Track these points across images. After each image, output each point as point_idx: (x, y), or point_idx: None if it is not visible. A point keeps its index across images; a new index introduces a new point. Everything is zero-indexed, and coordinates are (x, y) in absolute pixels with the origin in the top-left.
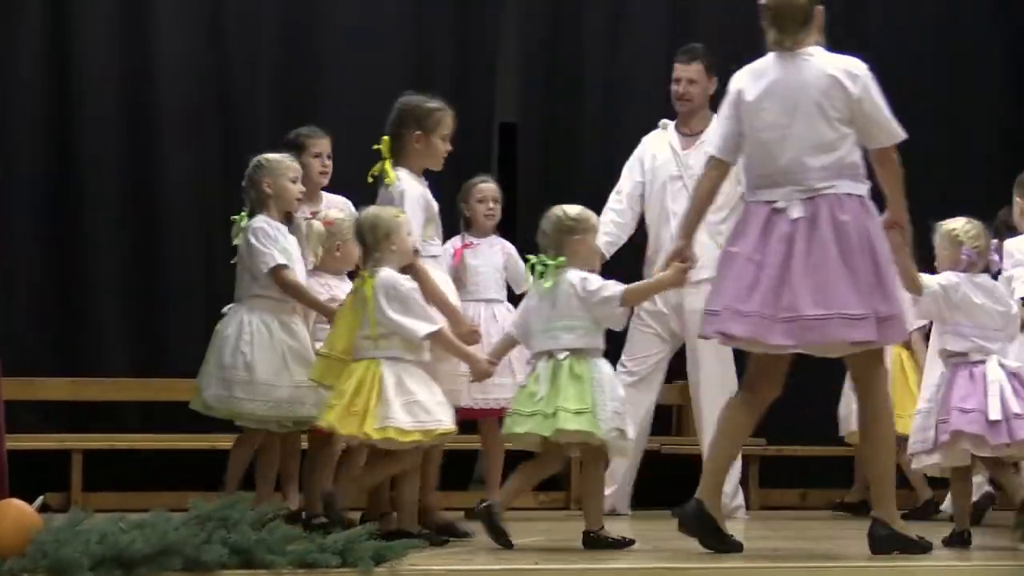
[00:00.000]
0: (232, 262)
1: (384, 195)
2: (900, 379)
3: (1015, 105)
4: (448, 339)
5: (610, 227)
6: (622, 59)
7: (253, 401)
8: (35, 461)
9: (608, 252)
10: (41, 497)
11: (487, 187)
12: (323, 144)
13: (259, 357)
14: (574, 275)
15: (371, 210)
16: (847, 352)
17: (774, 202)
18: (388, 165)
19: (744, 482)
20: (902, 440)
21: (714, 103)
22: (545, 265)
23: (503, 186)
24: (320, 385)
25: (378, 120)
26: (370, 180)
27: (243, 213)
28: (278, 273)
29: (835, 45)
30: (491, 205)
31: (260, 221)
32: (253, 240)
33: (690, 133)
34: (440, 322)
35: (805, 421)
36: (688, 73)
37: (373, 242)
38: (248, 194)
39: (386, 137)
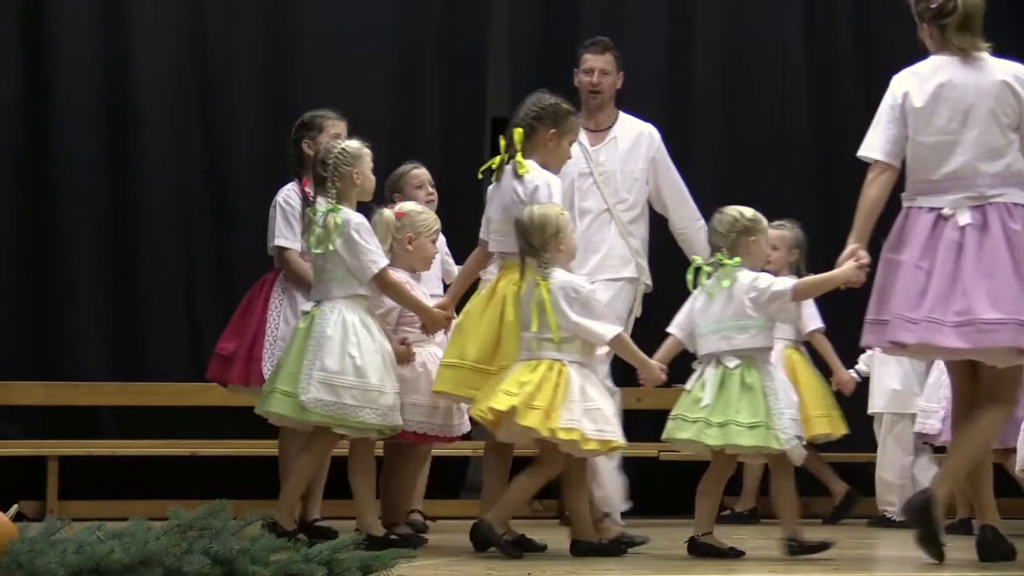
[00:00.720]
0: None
1: (501, 187)
2: (805, 380)
3: None
4: (628, 343)
5: None
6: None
7: (363, 408)
8: (9, 468)
9: None
10: (15, 506)
11: (422, 172)
12: (341, 126)
13: (368, 361)
14: (745, 275)
15: (536, 209)
16: (1011, 362)
17: (940, 208)
18: (521, 156)
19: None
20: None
21: (618, 100)
22: (719, 265)
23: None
24: (452, 397)
25: (365, 114)
26: (479, 176)
27: (335, 204)
28: (385, 273)
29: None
30: (430, 190)
31: (359, 216)
32: (357, 237)
33: (597, 128)
34: (619, 325)
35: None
36: (601, 63)
37: (542, 243)
38: (332, 184)
39: (520, 129)
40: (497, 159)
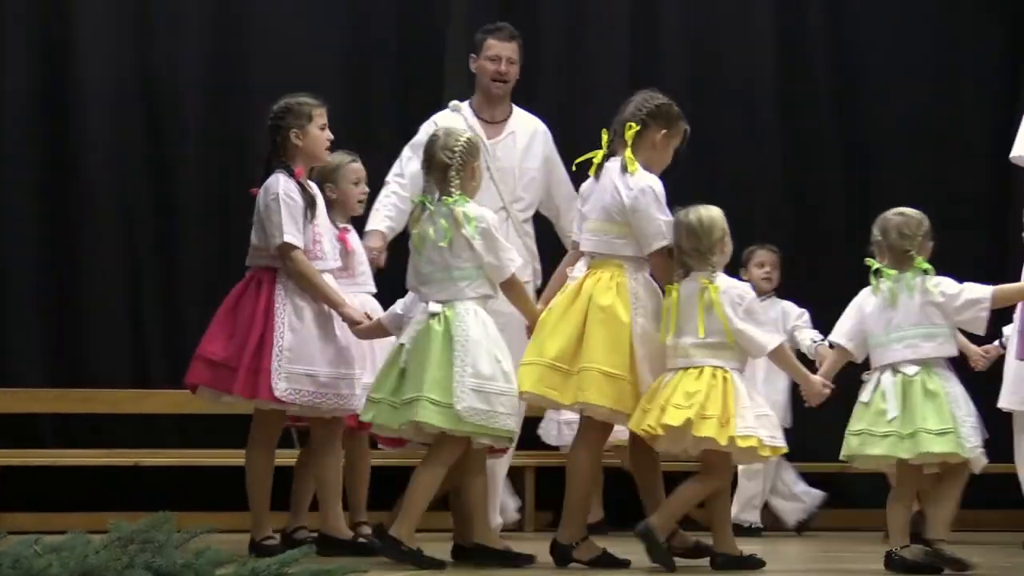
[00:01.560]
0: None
1: (600, 185)
2: None
3: None
4: (789, 355)
5: (392, 211)
6: (581, 38)
7: (510, 416)
8: None
9: (389, 237)
10: None
11: (360, 168)
12: (324, 114)
13: (510, 367)
14: (933, 280)
15: (701, 211)
16: None
17: None
18: (631, 153)
19: None
20: None
21: (583, 99)
22: (913, 269)
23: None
24: (535, 397)
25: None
26: (574, 168)
27: (461, 196)
28: (514, 274)
29: None
30: (364, 188)
31: (489, 211)
32: (496, 234)
33: (492, 121)
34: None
35: None
36: (508, 52)
37: (709, 245)
38: (456, 176)
39: (633, 125)
40: (599, 154)
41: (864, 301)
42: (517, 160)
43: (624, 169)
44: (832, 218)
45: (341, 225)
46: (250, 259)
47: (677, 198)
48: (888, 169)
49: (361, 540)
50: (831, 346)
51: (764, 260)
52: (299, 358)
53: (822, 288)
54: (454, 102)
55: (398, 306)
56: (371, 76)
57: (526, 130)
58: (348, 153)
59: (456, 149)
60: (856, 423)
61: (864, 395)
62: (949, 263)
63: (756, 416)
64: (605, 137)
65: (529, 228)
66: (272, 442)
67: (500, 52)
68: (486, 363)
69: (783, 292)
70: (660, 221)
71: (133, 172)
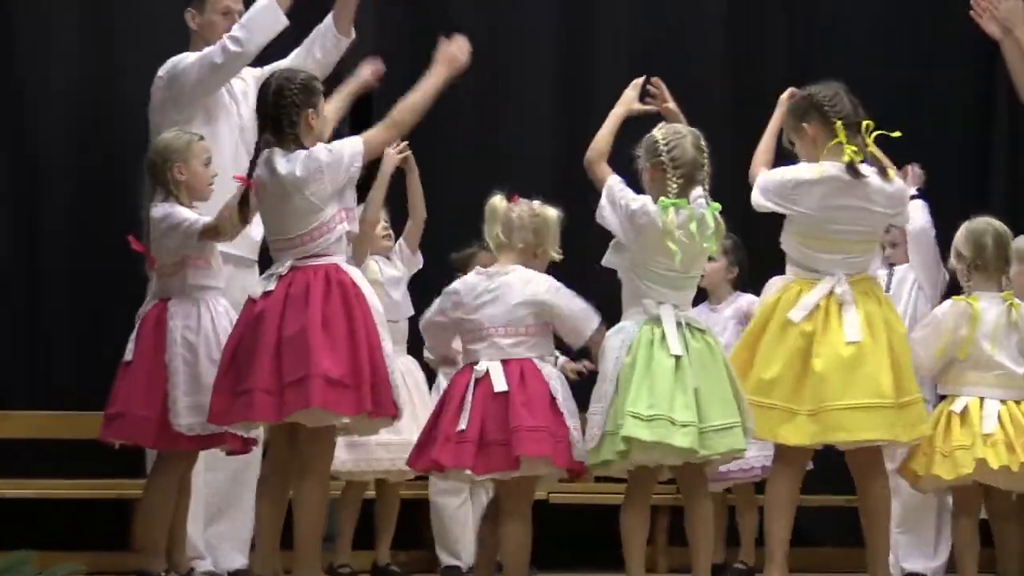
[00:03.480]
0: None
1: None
2: None
3: None
4: None
5: None
6: (506, 8)
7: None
8: None
9: None
10: None
11: (208, 146)
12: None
13: None
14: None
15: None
16: None
17: None
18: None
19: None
20: None
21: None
22: None
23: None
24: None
25: None
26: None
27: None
28: None
29: None
30: (215, 170)
31: None
32: None
33: None
34: None
35: None
36: (239, 5)
37: (1006, 257)
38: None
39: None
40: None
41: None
42: None
43: (884, 175)
44: None
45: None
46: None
47: None
48: None
49: None
50: None
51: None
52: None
53: None
54: None
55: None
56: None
57: None
58: (189, 131)
59: (679, 151)
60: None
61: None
62: None
63: None
64: (843, 133)
65: None
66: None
67: (231, 6)
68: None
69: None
70: None
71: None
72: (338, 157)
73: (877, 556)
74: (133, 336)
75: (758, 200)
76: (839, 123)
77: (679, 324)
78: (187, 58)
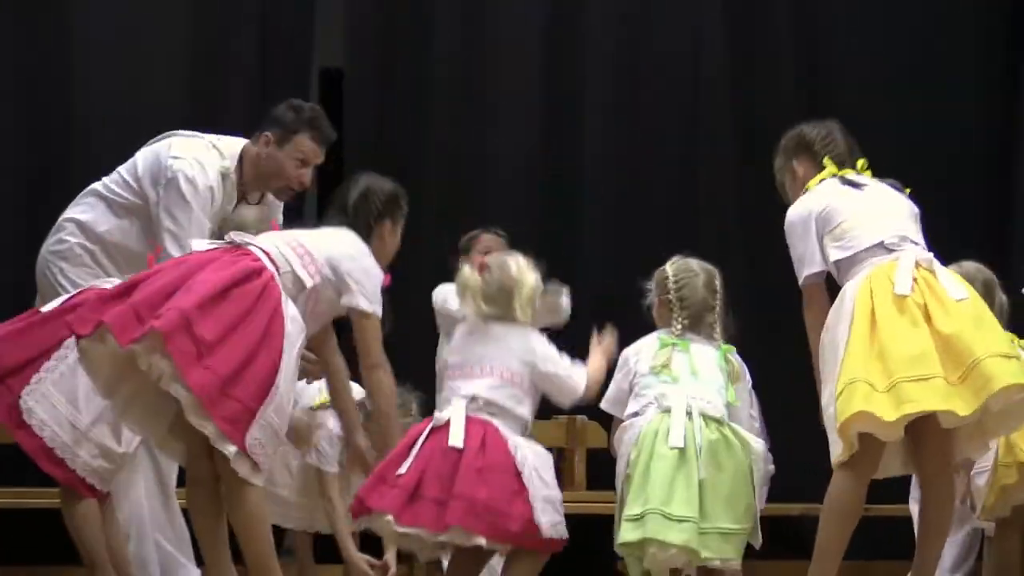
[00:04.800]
0: None
1: None
2: None
3: None
4: None
5: None
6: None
7: None
8: None
9: None
10: None
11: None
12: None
13: None
14: None
15: None
16: None
17: None
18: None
19: None
20: None
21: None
22: None
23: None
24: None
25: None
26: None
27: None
28: None
29: None
30: None
31: None
32: None
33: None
34: None
35: None
36: (317, 159)
37: None
38: None
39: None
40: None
41: None
42: None
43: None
44: None
45: None
46: None
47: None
48: None
49: None
50: None
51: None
52: None
53: None
54: (225, 164)
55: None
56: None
57: None
58: None
59: None
60: None
61: None
62: None
63: None
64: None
65: None
66: None
67: (310, 157)
68: None
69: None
70: None
71: None
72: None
73: (928, 569)
74: None
75: (812, 268)
76: (828, 158)
77: (689, 413)
78: (180, 200)
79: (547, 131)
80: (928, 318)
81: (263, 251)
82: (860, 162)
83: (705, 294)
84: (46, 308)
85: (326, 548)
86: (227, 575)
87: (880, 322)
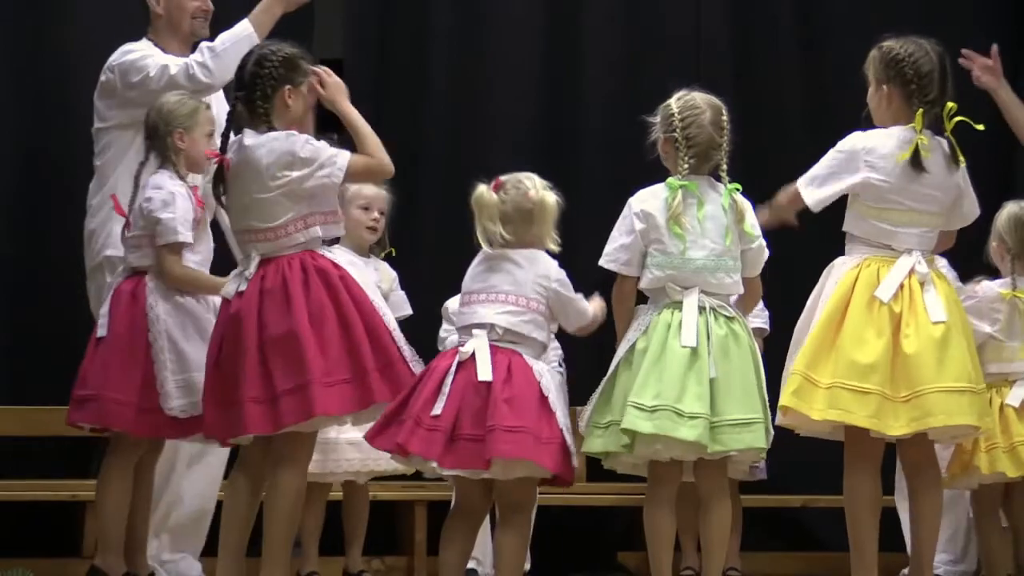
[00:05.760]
0: None
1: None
2: None
3: None
4: None
5: None
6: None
7: None
8: None
9: None
10: None
11: (214, 116)
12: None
13: None
14: None
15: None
16: None
17: None
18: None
19: None
20: None
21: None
22: None
23: (322, 130)
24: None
25: None
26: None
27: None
28: None
29: None
30: (217, 140)
31: None
32: None
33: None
34: None
35: None
36: None
37: None
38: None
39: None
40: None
41: None
42: None
43: (956, 159)
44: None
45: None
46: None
47: None
48: None
49: None
50: None
51: None
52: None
53: None
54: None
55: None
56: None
57: None
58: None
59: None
60: None
61: None
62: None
63: None
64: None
65: None
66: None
67: None
68: None
69: None
70: None
71: None
72: (313, 155)
73: (924, 561)
74: (105, 310)
75: (818, 196)
76: (921, 111)
77: (702, 309)
78: (146, 59)
79: (548, 120)
80: (896, 330)
81: None
82: (949, 106)
83: (712, 132)
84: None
85: (327, 543)
86: (242, 567)
87: (848, 320)
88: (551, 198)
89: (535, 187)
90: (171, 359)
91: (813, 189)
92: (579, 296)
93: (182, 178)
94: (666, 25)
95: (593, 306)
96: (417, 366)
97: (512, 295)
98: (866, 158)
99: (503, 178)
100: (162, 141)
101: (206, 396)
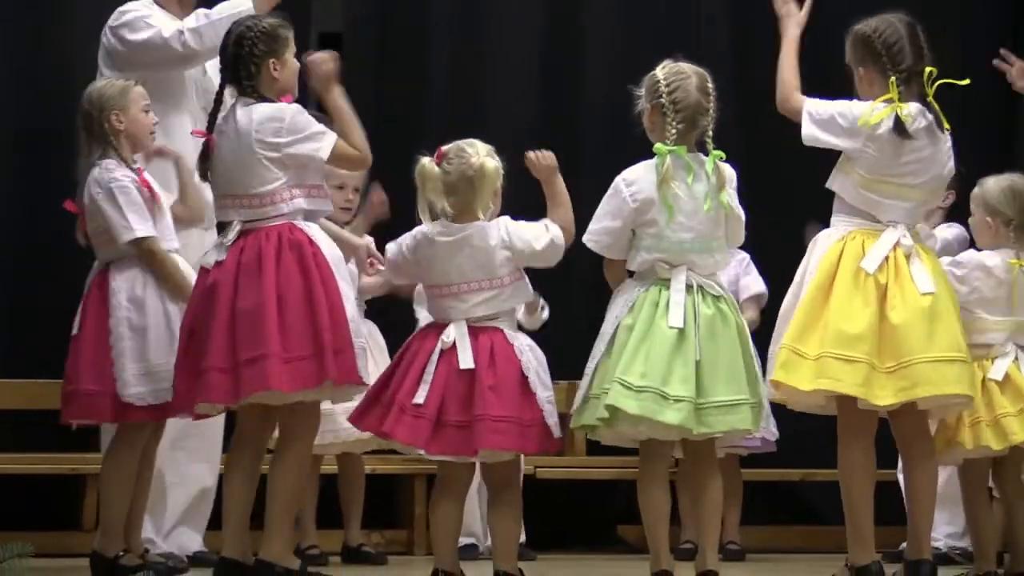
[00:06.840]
0: None
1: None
2: None
3: None
4: None
5: None
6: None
7: None
8: None
9: None
10: None
11: (144, 91)
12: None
13: None
14: None
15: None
16: None
17: None
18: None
19: None
20: None
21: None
22: None
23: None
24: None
25: None
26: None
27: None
28: None
29: None
30: (155, 117)
31: None
32: None
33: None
34: None
35: None
36: None
37: None
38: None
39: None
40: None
41: None
42: None
43: (941, 127)
44: None
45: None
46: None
47: None
48: None
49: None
50: None
51: None
52: None
53: None
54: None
55: None
56: None
57: None
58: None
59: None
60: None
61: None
62: None
63: None
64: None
65: None
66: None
67: None
68: None
69: None
70: None
71: None
72: (302, 126)
73: (920, 533)
74: (80, 308)
75: (815, 134)
76: (893, 79)
77: (690, 288)
78: (140, 20)
79: (548, 96)
80: (883, 299)
81: None
82: (927, 70)
83: (699, 96)
84: None
85: (326, 517)
86: (246, 540)
87: (834, 292)
88: (491, 163)
89: (477, 154)
90: (130, 347)
91: (814, 126)
92: (541, 232)
93: (127, 162)
94: (666, 25)
95: (560, 217)
96: (361, 361)
97: (485, 279)
98: (867, 132)
99: (444, 148)
100: (99, 127)
101: (178, 365)
